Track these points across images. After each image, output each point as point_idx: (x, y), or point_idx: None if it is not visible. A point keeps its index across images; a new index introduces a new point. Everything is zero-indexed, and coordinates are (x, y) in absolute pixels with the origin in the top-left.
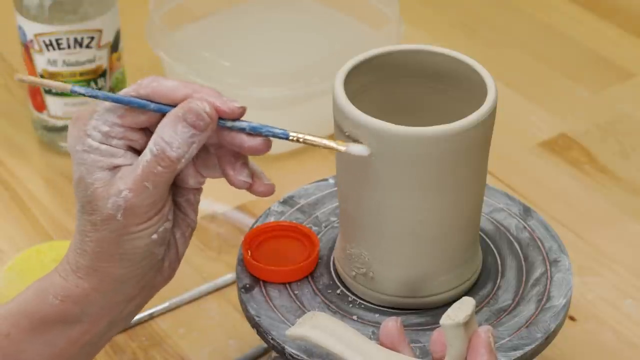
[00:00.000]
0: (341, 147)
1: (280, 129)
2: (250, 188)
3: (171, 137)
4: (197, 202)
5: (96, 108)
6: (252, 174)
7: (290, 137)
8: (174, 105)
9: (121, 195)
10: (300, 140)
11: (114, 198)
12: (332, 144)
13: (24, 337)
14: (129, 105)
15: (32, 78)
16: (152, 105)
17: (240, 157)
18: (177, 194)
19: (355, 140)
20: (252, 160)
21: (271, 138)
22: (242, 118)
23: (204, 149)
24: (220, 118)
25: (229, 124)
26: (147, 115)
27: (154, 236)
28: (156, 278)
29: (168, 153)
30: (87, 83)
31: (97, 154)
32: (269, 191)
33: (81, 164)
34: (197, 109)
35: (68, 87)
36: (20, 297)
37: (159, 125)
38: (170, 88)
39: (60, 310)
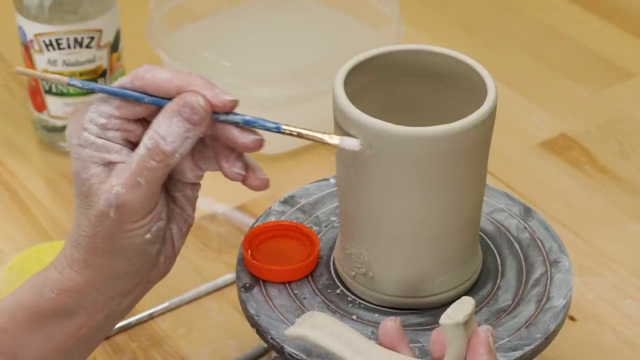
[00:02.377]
0: (334, 140)
1: (273, 122)
2: (244, 181)
3: (166, 131)
4: (195, 197)
5: (92, 100)
6: (247, 167)
7: (283, 129)
8: (169, 98)
9: (113, 191)
10: (294, 133)
11: (106, 194)
12: (324, 137)
13: (21, 332)
14: (125, 98)
15: (30, 70)
16: (147, 99)
17: (234, 149)
18: (175, 188)
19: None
20: (249, 155)
21: (265, 139)
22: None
23: (201, 142)
24: (213, 112)
25: (222, 117)
26: (144, 107)
27: (148, 235)
28: (151, 273)
29: (162, 147)
30: None
31: (92, 149)
32: (263, 185)
33: (77, 159)
34: (193, 102)
35: (65, 79)
36: (18, 292)
37: (155, 120)
38: (165, 79)
39: (56, 304)
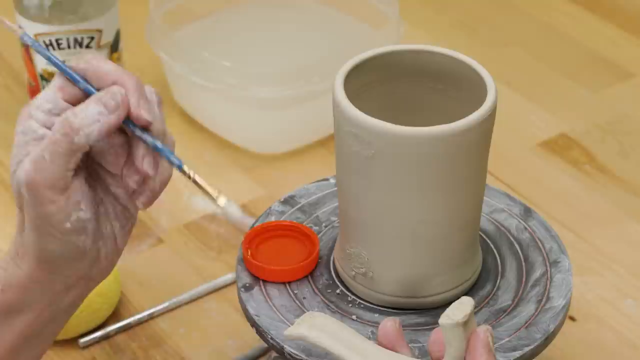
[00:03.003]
0: (220, 201)
1: (178, 159)
2: (131, 194)
3: (80, 109)
4: None
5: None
6: (144, 184)
7: (182, 169)
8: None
9: (24, 168)
10: (190, 177)
11: (19, 172)
12: (213, 194)
13: None
14: (63, 72)
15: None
16: (81, 83)
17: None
18: (115, 184)
19: (357, 140)
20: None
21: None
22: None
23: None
24: (131, 122)
25: (137, 132)
26: (82, 92)
27: (67, 224)
28: (93, 269)
29: (70, 120)
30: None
31: (32, 138)
32: (144, 207)
33: (16, 146)
34: (113, 90)
35: (20, 32)
36: None
37: None
38: (105, 71)
39: (2, 301)
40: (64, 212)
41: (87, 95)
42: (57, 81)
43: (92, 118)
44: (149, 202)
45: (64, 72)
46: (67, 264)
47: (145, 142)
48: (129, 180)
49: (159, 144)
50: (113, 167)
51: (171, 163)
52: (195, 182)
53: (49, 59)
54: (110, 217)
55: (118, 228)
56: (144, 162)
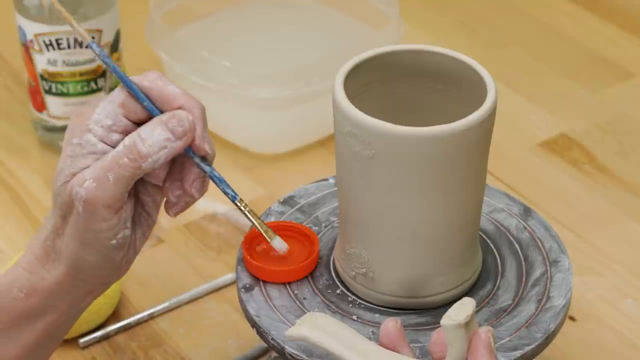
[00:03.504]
0: (268, 237)
1: (233, 192)
2: (167, 201)
3: (147, 134)
4: (162, 202)
5: (98, 103)
6: (181, 196)
7: (236, 202)
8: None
9: (84, 185)
10: (243, 211)
11: (77, 188)
12: (262, 229)
13: None
14: (129, 89)
15: (63, 10)
16: (147, 103)
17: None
18: (146, 192)
19: (357, 141)
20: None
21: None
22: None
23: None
24: (190, 149)
25: (196, 160)
26: (144, 110)
27: (113, 242)
28: (114, 276)
29: (139, 146)
30: (87, 83)
31: (89, 151)
32: (174, 215)
33: (70, 156)
34: (181, 115)
35: (88, 39)
36: None
37: (143, 125)
38: (171, 93)
39: (26, 305)
40: (113, 230)
41: (149, 115)
42: (119, 96)
43: (160, 145)
44: (181, 212)
45: (129, 88)
46: (97, 272)
47: (203, 170)
48: (170, 194)
49: (216, 173)
50: (154, 179)
51: (226, 194)
52: (247, 217)
53: (115, 72)
54: (136, 225)
55: (140, 234)
56: (193, 187)
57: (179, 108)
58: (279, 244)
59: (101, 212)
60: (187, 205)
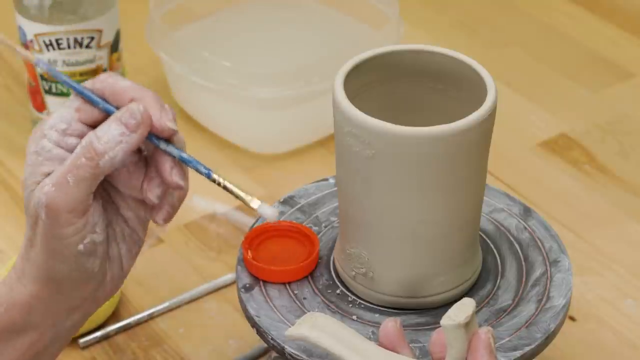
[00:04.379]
0: (254, 204)
1: (206, 168)
2: (152, 209)
3: (102, 131)
4: (148, 220)
5: (56, 110)
6: (163, 199)
7: (212, 177)
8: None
9: (44, 190)
10: (220, 184)
11: (38, 194)
12: (246, 197)
13: None
14: (82, 95)
15: (7, 40)
16: (101, 104)
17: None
18: (127, 206)
19: (357, 141)
20: (175, 193)
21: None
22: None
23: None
24: (154, 136)
25: (162, 146)
26: (100, 112)
27: (80, 247)
28: (97, 292)
29: (95, 145)
30: None
31: (46, 157)
32: (164, 222)
33: (30, 165)
34: (132, 108)
35: (32, 58)
36: None
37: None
38: (122, 88)
39: (6, 320)
40: (79, 234)
41: (106, 116)
42: (74, 102)
43: (115, 140)
44: (169, 218)
45: (82, 94)
46: (73, 285)
47: (171, 154)
48: (151, 195)
49: (185, 154)
50: (126, 187)
51: (199, 172)
52: (225, 188)
53: (65, 82)
54: (118, 239)
55: (125, 251)
56: (173, 175)
57: (131, 101)
58: (267, 210)
59: (64, 216)
60: (173, 208)
